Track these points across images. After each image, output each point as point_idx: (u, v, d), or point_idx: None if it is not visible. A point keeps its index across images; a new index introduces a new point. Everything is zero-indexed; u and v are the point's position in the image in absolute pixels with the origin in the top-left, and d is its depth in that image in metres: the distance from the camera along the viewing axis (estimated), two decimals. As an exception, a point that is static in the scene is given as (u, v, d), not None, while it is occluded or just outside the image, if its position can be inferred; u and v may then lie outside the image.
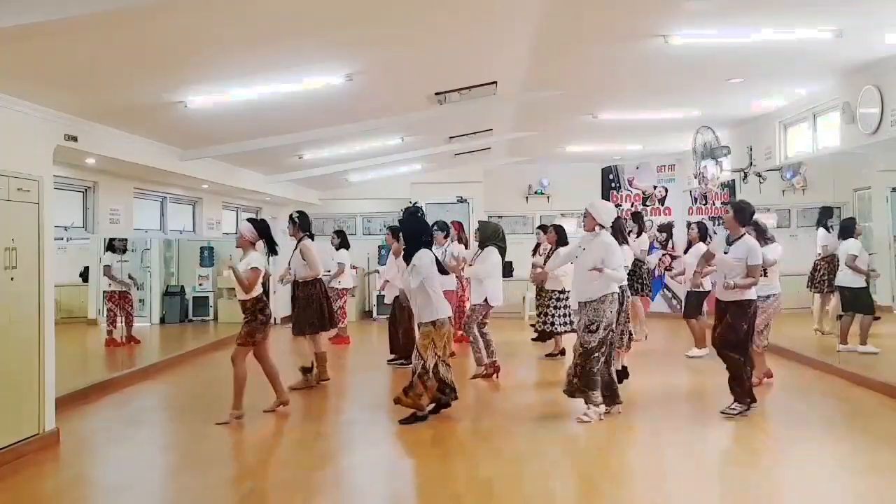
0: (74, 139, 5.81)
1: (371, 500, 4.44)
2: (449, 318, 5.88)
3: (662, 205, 13.33)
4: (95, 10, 3.66)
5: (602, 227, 5.84)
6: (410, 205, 6.51)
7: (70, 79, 4.93)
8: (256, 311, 5.97)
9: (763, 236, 6.91)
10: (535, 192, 13.97)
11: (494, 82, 7.05)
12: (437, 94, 7.06)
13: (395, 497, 4.48)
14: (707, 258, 6.40)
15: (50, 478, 4.81)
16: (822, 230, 9.24)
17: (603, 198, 13.35)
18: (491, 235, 7.75)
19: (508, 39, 5.87)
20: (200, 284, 12.56)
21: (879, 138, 6.90)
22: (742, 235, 5.81)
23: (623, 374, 6.96)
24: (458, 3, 4.86)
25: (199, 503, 4.34)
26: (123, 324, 9.67)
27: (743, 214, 5.86)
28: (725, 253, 5.90)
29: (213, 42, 4.72)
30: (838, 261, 8.33)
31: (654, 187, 13.40)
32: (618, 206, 13.30)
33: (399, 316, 8.25)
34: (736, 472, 4.73)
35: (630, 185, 13.52)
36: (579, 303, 5.86)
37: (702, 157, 9.68)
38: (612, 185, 13.57)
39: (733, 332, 5.75)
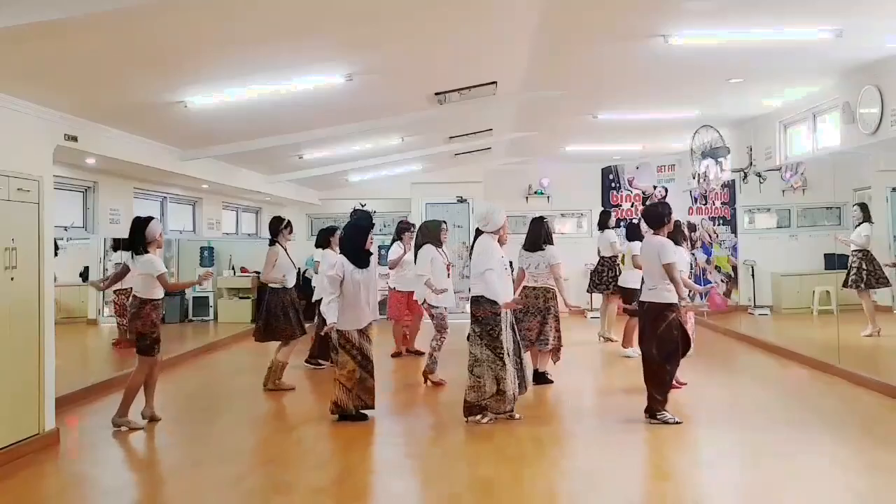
0: (74, 139, 5.81)
1: (371, 501, 4.44)
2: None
3: (662, 205, 13.32)
4: (95, 10, 3.67)
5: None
6: (361, 206, 6.56)
7: (70, 79, 4.93)
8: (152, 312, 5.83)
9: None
10: (535, 192, 13.97)
11: (494, 82, 7.06)
12: (437, 94, 7.06)
13: (396, 497, 4.48)
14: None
15: (50, 478, 4.81)
16: (865, 224, 8.96)
17: (603, 198, 13.45)
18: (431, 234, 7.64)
19: (508, 39, 5.87)
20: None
21: (879, 138, 6.92)
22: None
23: (543, 378, 7.10)
24: (458, 3, 4.87)
25: (199, 503, 4.34)
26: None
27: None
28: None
29: (213, 42, 4.72)
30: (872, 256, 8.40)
31: (654, 187, 13.39)
32: (618, 206, 13.36)
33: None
34: (735, 472, 4.74)
35: (630, 185, 13.52)
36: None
37: (702, 156, 9.68)
38: (612, 185, 13.57)
39: None
